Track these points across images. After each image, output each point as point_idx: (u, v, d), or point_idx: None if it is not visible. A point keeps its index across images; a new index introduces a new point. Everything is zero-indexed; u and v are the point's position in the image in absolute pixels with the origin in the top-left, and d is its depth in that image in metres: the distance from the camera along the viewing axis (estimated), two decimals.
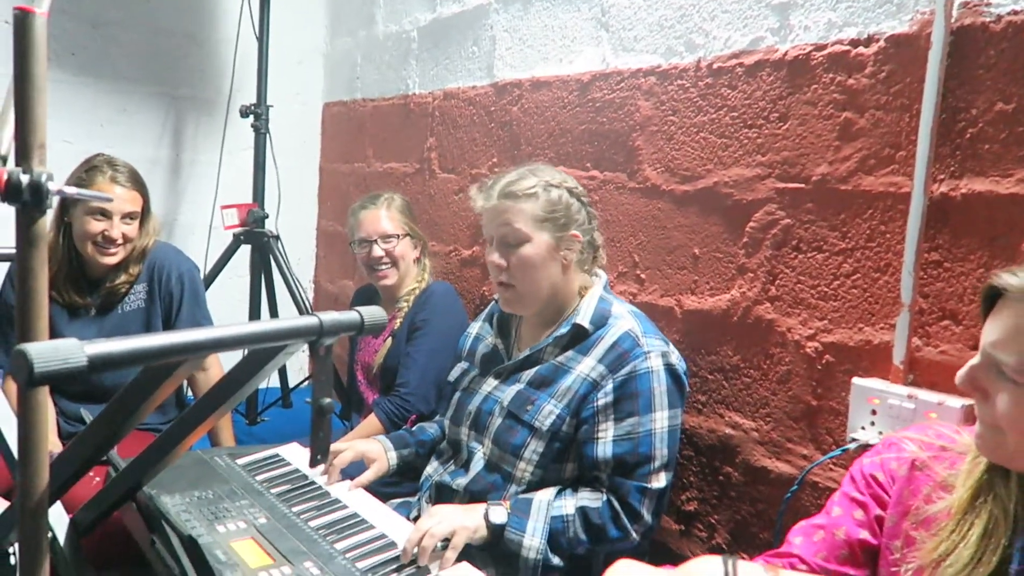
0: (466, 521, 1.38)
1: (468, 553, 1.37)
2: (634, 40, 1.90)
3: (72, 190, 0.88)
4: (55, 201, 0.84)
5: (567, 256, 1.56)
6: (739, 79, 1.65)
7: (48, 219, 0.83)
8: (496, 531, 1.41)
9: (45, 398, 0.87)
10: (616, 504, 1.45)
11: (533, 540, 1.41)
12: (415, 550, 1.31)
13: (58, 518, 1.12)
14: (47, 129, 0.86)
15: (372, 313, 1.02)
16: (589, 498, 1.47)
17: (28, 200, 0.83)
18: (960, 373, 0.90)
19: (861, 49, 1.42)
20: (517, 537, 1.41)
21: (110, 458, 1.46)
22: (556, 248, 1.54)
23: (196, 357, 0.82)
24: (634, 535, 1.46)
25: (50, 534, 1.10)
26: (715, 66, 1.70)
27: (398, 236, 2.20)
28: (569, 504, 1.46)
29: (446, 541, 1.34)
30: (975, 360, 0.89)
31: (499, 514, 1.42)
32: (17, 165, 0.84)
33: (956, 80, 1.29)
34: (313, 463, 1.01)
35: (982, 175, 1.26)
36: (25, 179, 0.83)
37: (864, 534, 1.04)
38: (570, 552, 1.45)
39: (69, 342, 0.69)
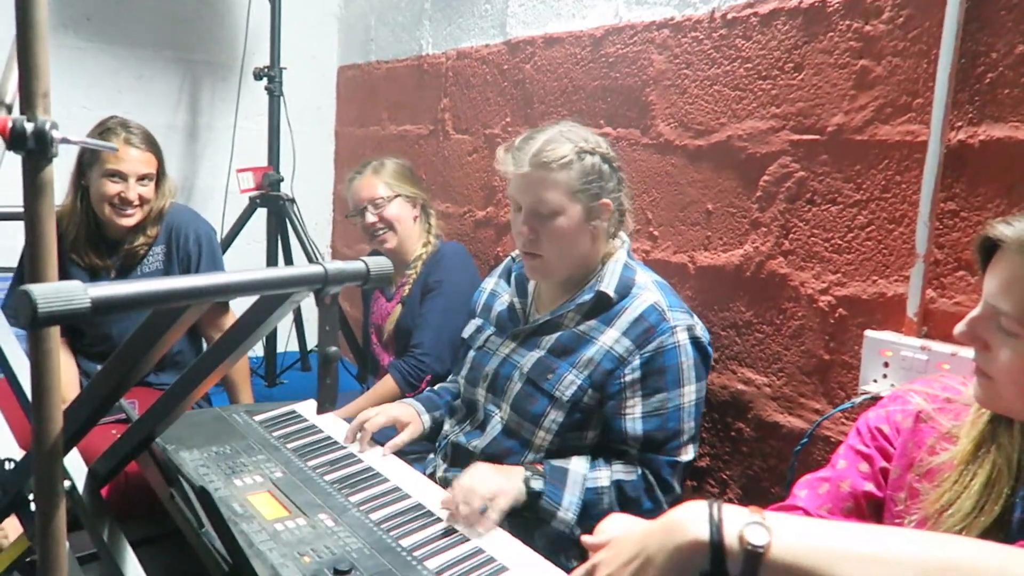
0: (508, 487, 1.36)
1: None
2: None
3: (77, 139, 0.89)
4: (59, 149, 0.85)
5: (598, 226, 1.51)
6: (754, 29, 1.61)
7: (54, 168, 0.84)
8: (533, 497, 1.40)
9: (56, 344, 0.88)
10: (650, 477, 1.45)
11: (567, 514, 1.40)
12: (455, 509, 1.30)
13: (76, 467, 1.15)
14: (51, 78, 0.87)
15: (378, 263, 1.02)
16: (624, 471, 1.45)
17: (33, 148, 0.84)
18: (959, 325, 0.89)
19: None
20: (552, 508, 1.40)
21: (128, 415, 1.49)
22: (588, 219, 1.49)
23: (200, 302, 0.82)
24: (666, 507, 1.45)
25: (69, 483, 1.13)
26: (729, 16, 1.66)
27: (385, 198, 2.19)
28: (604, 476, 1.44)
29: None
30: (975, 312, 0.88)
31: (539, 482, 1.40)
32: (22, 114, 0.85)
33: (976, 23, 1.25)
34: (320, 410, 1.02)
35: (1001, 121, 1.23)
36: (30, 127, 0.83)
37: (869, 486, 1.04)
38: None
39: (73, 284, 0.70)
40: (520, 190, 1.51)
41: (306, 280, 0.93)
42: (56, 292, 0.68)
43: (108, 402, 1.01)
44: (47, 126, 0.84)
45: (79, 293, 0.70)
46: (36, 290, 0.67)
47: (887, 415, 1.06)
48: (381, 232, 2.20)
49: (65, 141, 0.86)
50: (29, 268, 0.88)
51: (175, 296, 0.78)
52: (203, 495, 1.08)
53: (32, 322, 0.67)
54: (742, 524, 0.76)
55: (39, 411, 0.88)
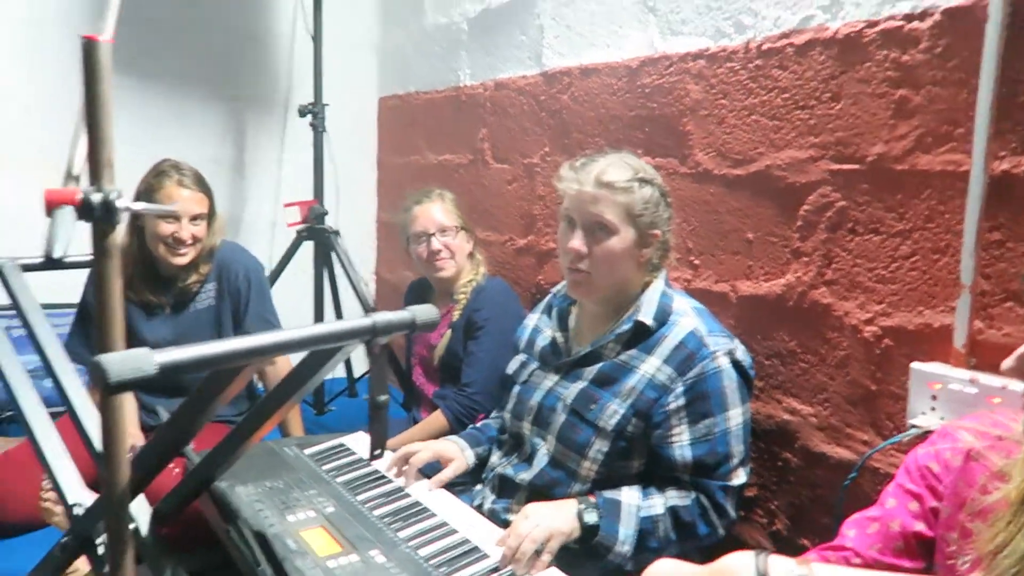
0: (562, 525, 1.37)
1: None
2: (681, 23, 1.88)
3: (140, 206, 0.94)
4: (124, 216, 0.90)
5: (645, 253, 1.54)
6: (790, 59, 1.62)
7: (120, 229, 0.89)
8: (588, 531, 1.41)
9: (124, 400, 0.93)
10: (704, 501, 1.45)
11: (623, 547, 1.41)
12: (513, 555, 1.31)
13: (141, 509, 1.20)
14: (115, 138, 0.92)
15: (424, 312, 1.05)
16: (678, 496, 1.46)
17: (101, 216, 0.89)
18: (1007, 360, 0.88)
19: (915, 24, 1.38)
20: (608, 543, 1.40)
21: (189, 459, 1.54)
22: (638, 245, 1.52)
23: (258, 360, 0.86)
24: (721, 531, 1.46)
25: (133, 525, 1.18)
26: (765, 47, 1.67)
27: (456, 228, 2.22)
28: (658, 504, 1.45)
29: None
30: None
31: (592, 515, 1.41)
32: (91, 184, 0.90)
33: (1015, 51, 1.24)
34: (372, 456, 1.06)
35: None
36: (97, 198, 0.89)
37: (919, 526, 1.03)
38: (659, 554, 1.44)
39: (141, 352, 0.74)
40: (580, 206, 1.53)
41: (356, 333, 0.97)
42: (126, 361, 0.73)
43: (173, 451, 1.06)
44: (113, 196, 0.89)
45: (147, 361, 0.74)
46: (108, 361, 0.72)
47: (936, 453, 1.05)
48: (444, 260, 2.22)
49: (128, 210, 0.91)
50: (98, 327, 0.93)
51: (234, 357, 0.82)
52: (261, 539, 1.12)
53: (107, 389, 0.72)
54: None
55: (108, 464, 0.93)
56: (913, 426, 1.36)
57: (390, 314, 1.01)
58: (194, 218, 2.15)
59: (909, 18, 1.39)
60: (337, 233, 2.94)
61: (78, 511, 1.17)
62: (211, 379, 0.91)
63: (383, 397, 1.03)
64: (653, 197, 1.52)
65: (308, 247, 3.02)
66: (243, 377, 0.91)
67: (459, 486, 1.80)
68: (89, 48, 0.89)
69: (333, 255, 2.93)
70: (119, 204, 0.90)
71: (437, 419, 2.13)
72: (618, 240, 1.51)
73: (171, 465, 1.93)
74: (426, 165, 3.17)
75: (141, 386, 2.25)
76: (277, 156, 3.24)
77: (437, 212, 2.22)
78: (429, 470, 1.66)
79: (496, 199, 2.70)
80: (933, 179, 1.37)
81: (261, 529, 1.19)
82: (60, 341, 1.36)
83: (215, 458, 1.16)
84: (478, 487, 1.76)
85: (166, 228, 2.12)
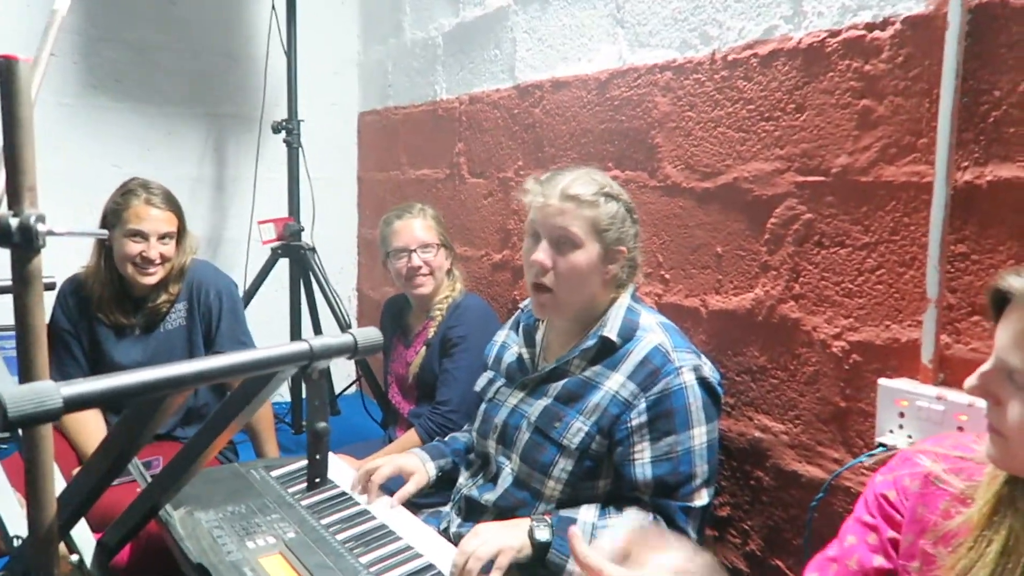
0: (511, 541, 1.34)
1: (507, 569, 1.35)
2: (649, 35, 1.86)
3: (63, 230, 0.91)
4: (47, 241, 0.87)
5: (610, 270, 1.51)
6: (754, 70, 1.59)
7: (41, 258, 0.86)
8: (540, 548, 1.38)
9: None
10: (663, 524, 1.41)
11: (576, 567, 1.38)
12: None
13: (85, 541, 1.16)
14: (36, 171, 0.89)
15: (367, 335, 1.02)
16: (636, 517, 1.42)
17: (19, 242, 0.86)
18: (970, 379, 0.85)
19: (877, 33, 1.36)
20: (560, 561, 1.37)
21: (139, 481, 1.51)
22: (603, 261, 1.49)
23: (178, 391, 0.83)
24: None
25: (77, 557, 1.15)
26: (730, 58, 1.65)
27: (436, 245, 2.18)
28: (615, 523, 1.41)
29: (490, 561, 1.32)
30: (986, 366, 0.84)
31: (544, 532, 1.38)
32: (9, 208, 0.87)
33: (977, 61, 1.22)
34: (311, 486, 1.02)
35: (1009, 160, 1.19)
36: (15, 222, 0.86)
37: (879, 560, 0.99)
38: None
39: (45, 384, 0.71)
40: (545, 219, 1.50)
41: (291, 359, 0.93)
42: (29, 394, 0.69)
43: (105, 482, 1.02)
44: (32, 220, 0.86)
45: (52, 394, 0.70)
46: (7, 394, 0.68)
47: (894, 480, 1.01)
48: (422, 277, 2.18)
49: (51, 233, 0.88)
50: (20, 356, 0.90)
51: (149, 389, 0.78)
52: (201, 571, 1.09)
53: (5, 426, 0.68)
54: None
55: (35, 501, 0.90)
56: (881, 444, 1.32)
57: (329, 338, 0.98)
58: (162, 237, 2.12)
59: (871, 27, 1.37)
60: (313, 250, 2.91)
61: (18, 543, 1.13)
62: (131, 412, 0.88)
63: (322, 425, 1.00)
64: (619, 213, 1.49)
65: (284, 264, 2.99)
66: (164, 411, 0.87)
67: (428, 507, 1.76)
68: (8, 68, 0.86)
69: (311, 272, 2.90)
70: (40, 229, 0.87)
71: (411, 438, 2.10)
72: (583, 254, 1.48)
73: (137, 489, 1.91)
74: (405, 180, 3.15)
75: (112, 405, 2.17)
76: (255, 173, 3.21)
77: (418, 228, 2.18)
78: (393, 485, 1.63)
79: (473, 214, 2.67)
80: (897, 191, 1.35)
81: (200, 561, 1.15)
82: (5, 363, 1.32)
83: (160, 485, 1.13)
84: (445, 509, 1.73)
85: (134, 248, 2.09)
